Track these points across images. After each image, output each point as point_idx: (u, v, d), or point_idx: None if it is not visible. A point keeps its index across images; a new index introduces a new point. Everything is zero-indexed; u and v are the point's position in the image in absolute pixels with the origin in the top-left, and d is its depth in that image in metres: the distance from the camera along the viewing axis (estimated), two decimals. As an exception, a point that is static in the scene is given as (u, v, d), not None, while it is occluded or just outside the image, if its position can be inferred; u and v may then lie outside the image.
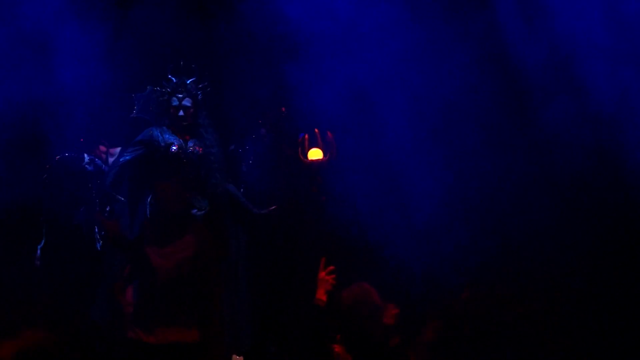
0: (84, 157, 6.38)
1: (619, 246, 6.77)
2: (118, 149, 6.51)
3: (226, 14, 7.15)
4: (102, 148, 6.40)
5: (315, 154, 4.94)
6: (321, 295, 4.84)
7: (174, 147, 6.31)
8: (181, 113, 6.36)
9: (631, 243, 6.77)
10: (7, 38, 6.60)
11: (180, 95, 6.38)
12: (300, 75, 6.97)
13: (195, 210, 6.28)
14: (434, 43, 7.11)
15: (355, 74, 7.13)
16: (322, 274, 4.85)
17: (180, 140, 6.37)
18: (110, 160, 6.43)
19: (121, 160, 6.36)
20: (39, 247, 6.31)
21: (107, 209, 6.22)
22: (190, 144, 6.36)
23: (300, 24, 7.04)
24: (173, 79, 6.43)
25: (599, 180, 6.92)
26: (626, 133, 6.80)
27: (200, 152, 6.36)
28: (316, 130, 4.86)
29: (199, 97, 6.47)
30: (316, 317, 4.77)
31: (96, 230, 6.30)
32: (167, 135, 6.35)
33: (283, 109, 6.72)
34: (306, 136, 4.90)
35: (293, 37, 7.04)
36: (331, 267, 4.80)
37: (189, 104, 6.39)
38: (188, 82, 6.44)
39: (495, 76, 7.14)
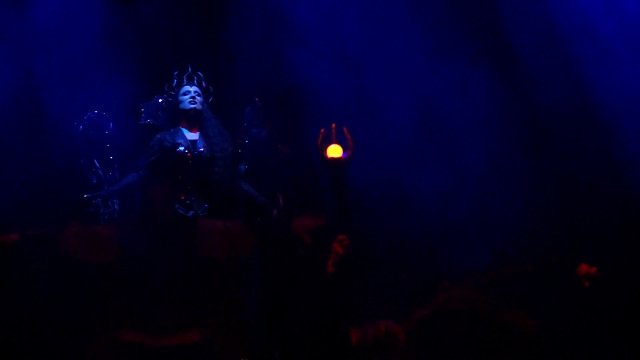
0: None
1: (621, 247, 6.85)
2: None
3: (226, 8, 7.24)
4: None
5: (334, 150, 4.82)
6: (329, 266, 4.85)
7: (181, 147, 6.45)
8: (195, 105, 6.54)
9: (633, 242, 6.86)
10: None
11: (188, 87, 6.61)
12: (303, 72, 7.06)
13: (192, 212, 6.37)
14: (437, 41, 7.19)
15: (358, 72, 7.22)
16: (334, 244, 4.84)
17: (188, 141, 6.50)
18: None
19: (136, 168, 6.49)
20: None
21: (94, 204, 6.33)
22: (200, 145, 6.49)
23: (303, 23, 7.12)
24: (183, 77, 6.66)
25: (603, 180, 7.00)
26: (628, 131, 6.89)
27: (208, 156, 6.47)
28: (333, 125, 4.77)
29: (203, 85, 6.68)
30: (323, 289, 4.79)
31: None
32: (175, 137, 6.50)
33: (256, 98, 6.81)
34: (322, 130, 4.81)
35: (293, 35, 7.13)
36: (342, 237, 4.76)
37: (198, 91, 6.62)
38: (195, 78, 6.68)
39: (498, 74, 7.24)
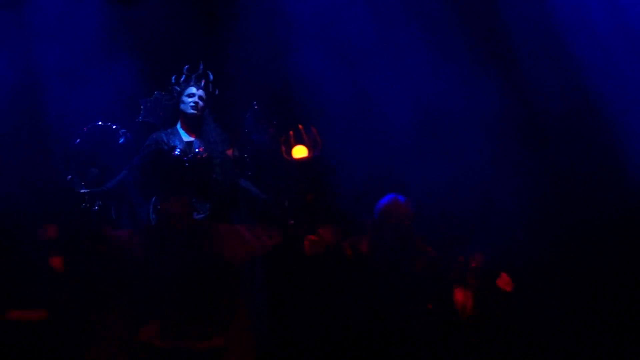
0: (118, 128, 6.46)
1: (619, 246, 6.82)
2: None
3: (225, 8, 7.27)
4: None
5: (299, 151, 4.85)
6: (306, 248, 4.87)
7: (177, 151, 6.41)
8: (196, 111, 6.47)
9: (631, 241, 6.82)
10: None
11: (195, 88, 6.51)
12: (304, 72, 7.08)
13: (195, 213, 6.31)
14: (437, 41, 7.20)
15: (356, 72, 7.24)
16: (305, 242, 4.86)
17: (185, 143, 6.45)
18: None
19: (129, 167, 6.44)
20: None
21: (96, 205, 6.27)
22: (195, 146, 6.45)
23: (304, 23, 7.14)
24: (192, 75, 6.57)
25: (600, 175, 6.97)
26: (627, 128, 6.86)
27: (205, 156, 6.43)
28: (300, 126, 4.80)
29: (210, 89, 6.60)
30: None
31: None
32: (172, 138, 6.47)
33: (254, 103, 6.69)
34: (291, 132, 4.84)
35: (293, 36, 7.15)
36: (312, 237, 4.78)
37: (203, 95, 6.53)
38: (202, 80, 6.59)
39: (498, 73, 7.23)
